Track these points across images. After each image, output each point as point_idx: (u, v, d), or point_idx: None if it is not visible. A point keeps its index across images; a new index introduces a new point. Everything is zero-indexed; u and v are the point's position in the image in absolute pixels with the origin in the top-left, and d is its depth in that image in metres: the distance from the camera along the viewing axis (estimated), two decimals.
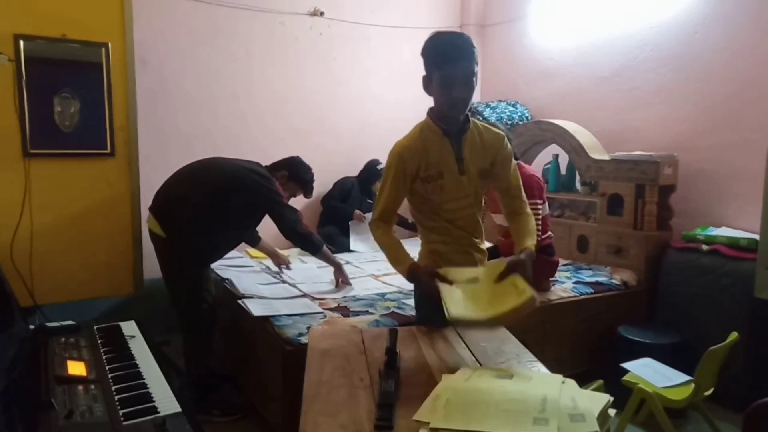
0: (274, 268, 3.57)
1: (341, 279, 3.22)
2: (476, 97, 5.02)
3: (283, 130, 4.37)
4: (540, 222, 2.97)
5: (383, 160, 3.60)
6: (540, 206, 3.02)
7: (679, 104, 3.66)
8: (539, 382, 1.41)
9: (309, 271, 3.60)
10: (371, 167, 4.49)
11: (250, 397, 2.93)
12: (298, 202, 3.20)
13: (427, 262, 1.99)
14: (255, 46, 4.22)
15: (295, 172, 3.10)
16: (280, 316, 2.63)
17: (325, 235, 4.18)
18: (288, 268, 3.49)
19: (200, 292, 2.84)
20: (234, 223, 2.88)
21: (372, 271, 3.65)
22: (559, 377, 1.42)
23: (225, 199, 2.79)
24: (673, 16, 3.66)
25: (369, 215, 4.25)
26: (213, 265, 3.36)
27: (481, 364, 1.62)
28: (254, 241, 3.42)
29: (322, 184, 4.37)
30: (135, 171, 2.97)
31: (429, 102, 1.92)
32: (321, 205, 4.48)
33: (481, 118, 4.30)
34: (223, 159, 3.02)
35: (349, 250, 4.21)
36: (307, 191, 3.24)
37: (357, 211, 4.36)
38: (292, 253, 4.14)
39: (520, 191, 2.02)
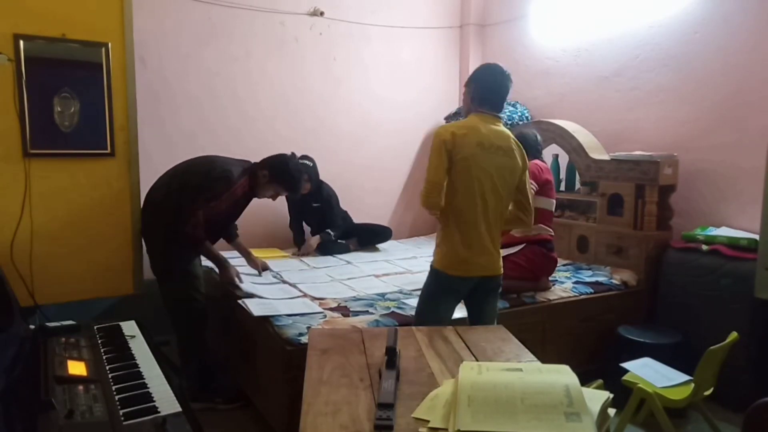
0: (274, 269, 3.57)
1: (226, 277, 3.06)
2: None
3: (283, 130, 4.37)
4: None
5: (383, 157, 3.55)
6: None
7: (679, 104, 3.66)
8: (551, 371, 1.40)
9: (309, 272, 3.60)
10: None
11: (250, 396, 2.94)
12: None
13: None
14: (255, 46, 4.22)
15: (277, 174, 3.01)
16: (280, 316, 2.64)
17: (323, 241, 4.18)
18: (261, 270, 3.40)
19: (189, 289, 2.93)
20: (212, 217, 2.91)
21: (372, 271, 3.65)
22: (566, 367, 1.41)
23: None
24: (673, 16, 3.66)
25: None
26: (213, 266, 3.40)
27: None
28: (232, 237, 3.42)
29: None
30: (135, 171, 2.96)
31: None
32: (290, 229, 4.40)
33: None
34: (202, 158, 3.08)
35: (343, 252, 4.17)
36: (293, 192, 3.22)
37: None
38: (295, 254, 4.15)
39: None
